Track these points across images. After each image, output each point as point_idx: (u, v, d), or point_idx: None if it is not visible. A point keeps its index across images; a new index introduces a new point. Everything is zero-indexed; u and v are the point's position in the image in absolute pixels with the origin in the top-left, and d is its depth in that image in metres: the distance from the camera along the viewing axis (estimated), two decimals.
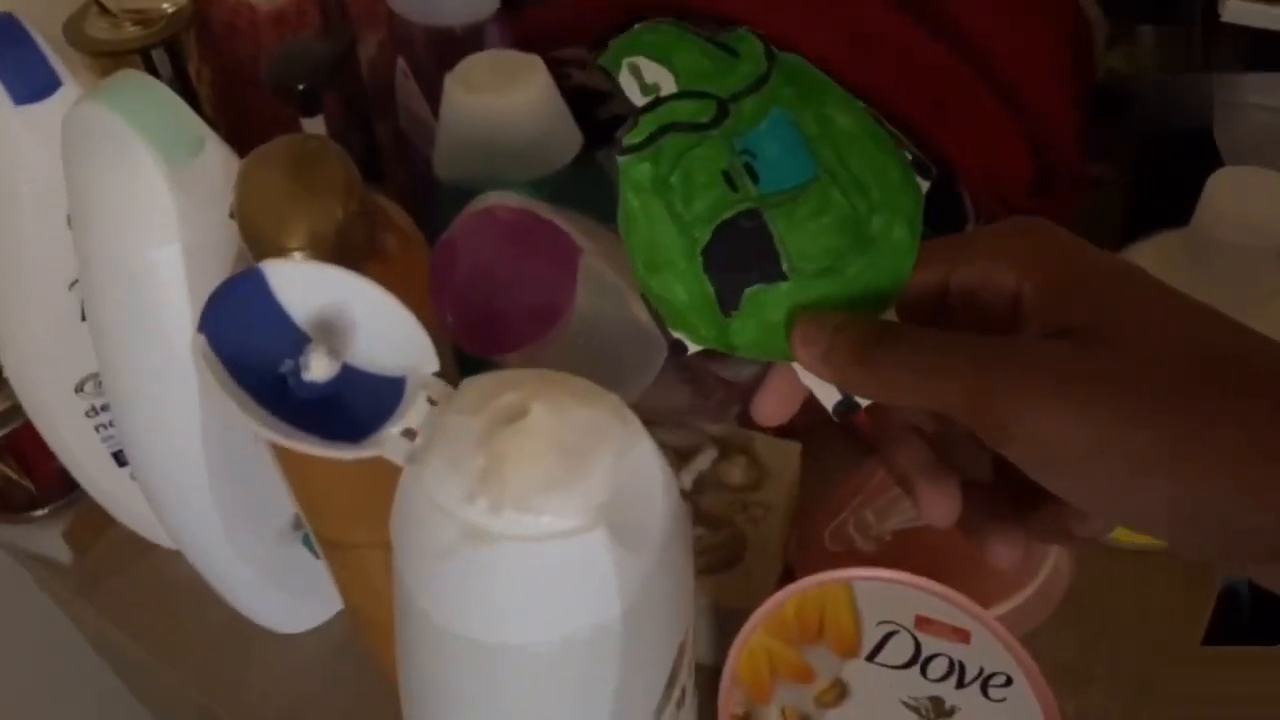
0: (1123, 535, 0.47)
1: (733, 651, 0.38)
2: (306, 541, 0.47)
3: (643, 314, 0.40)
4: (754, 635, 0.38)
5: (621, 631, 0.26)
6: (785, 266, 0.26)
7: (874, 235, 0.27)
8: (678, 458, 0.46)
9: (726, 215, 0.26)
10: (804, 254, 0.26)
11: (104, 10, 0.53)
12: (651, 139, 0.26)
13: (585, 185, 0.47)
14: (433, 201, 0.49)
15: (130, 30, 0.52)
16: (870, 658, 0.37)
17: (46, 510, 0.55)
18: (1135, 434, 0.22)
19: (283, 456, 0.38)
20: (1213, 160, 0.52)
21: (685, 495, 0.30)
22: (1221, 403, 0.22)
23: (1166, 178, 0.51)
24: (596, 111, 0.52)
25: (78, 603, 0.53)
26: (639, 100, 0.26)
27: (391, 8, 0.53)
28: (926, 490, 0.28)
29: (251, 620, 0.49)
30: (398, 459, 0.26)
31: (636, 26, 0.27)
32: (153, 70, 0.54)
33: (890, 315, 0.27)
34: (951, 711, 0.36)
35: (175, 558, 0.48)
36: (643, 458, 0.26)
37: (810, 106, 0.27)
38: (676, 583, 0.28)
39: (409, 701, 0.31)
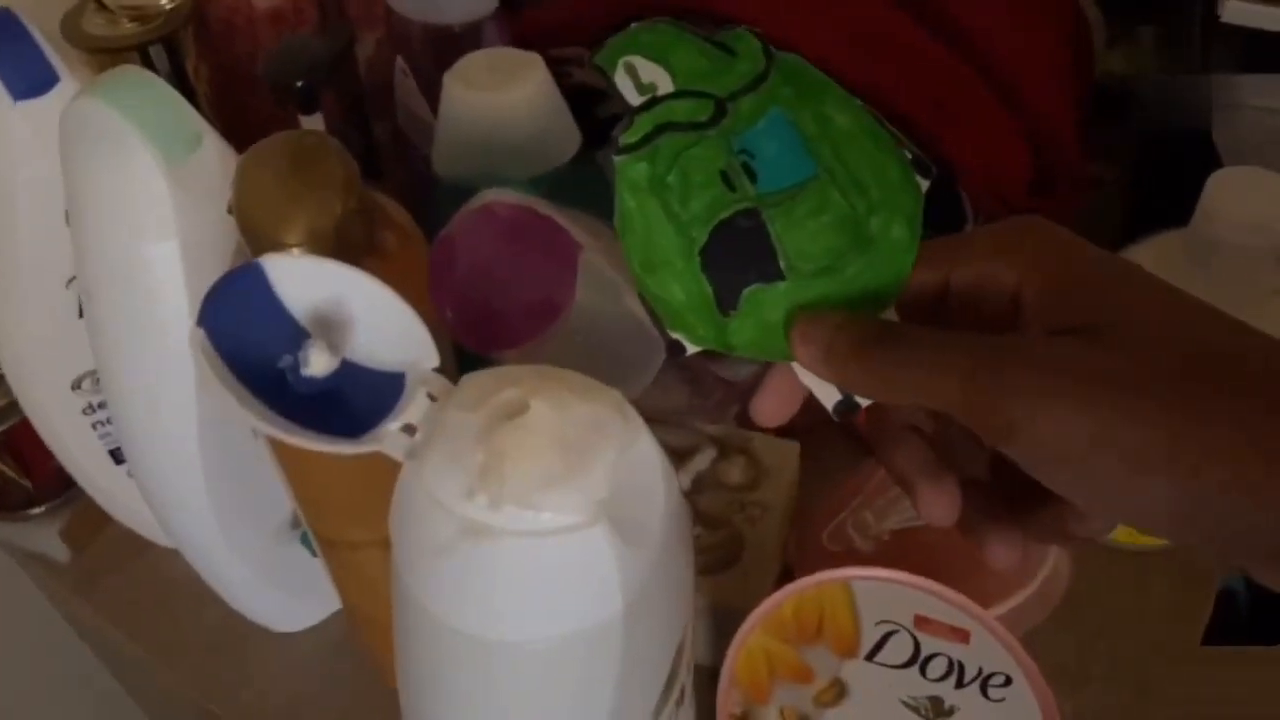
0: (1121, 535, 0.47)
1: (731, 651, 0.38)
2: (304, 540, 0.46)
3: (642, 311, 0.40)
4: (752, 635, 0.38)
5: (621, 629, 0.26)
6: (783, 266, 0.26)
7: (873, 235, 0.27)
8: (676, 457, 0.46)
9: (724, 215, 0.26)
10: (802, 253, 0.26)
11: (102, 6, 0.52)
12: (648, 138, 0.26)
13: (584, 183, 0.47)
14: (431, 199, 0.49)
15: (128, 27, 0.52)
16: (869, 657, 0.37)
17: (43, 508, 0.55)
18: (1134, 433, 0.22)
19: (281, 453, 0.38)
20: (1212, 161, 0.52)
21: (683, 495, 0.30)
22: (1219, 402, 0.22)
23: (1166, 178, 0.51)
24: (596, 110, 0.52)
25: (75, 601, 0.53)
26: (635, 99, 0.26)
27: (390, 6, 0.53)
28: (926, 489, 0.28)
29: (249, 619, 0.49)
30: (397, 455, 0.26)
31: (633, 26, 0.27)
32: (150, 67, 0.53)
33: (890, 315, 0.27)
34: (951, 711, 0.36)
35: (172, 556, 0.48)
36: (643, 454, 0.26)
37: (809, 106, 0.27)
38: (676, 580, 0.28)
39: (407, 700, 0.31)
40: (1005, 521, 0.28)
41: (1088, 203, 0.57)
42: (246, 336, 0.26)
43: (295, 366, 0.26)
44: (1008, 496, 0.28)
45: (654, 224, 0.26)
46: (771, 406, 0.29)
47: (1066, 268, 0.26)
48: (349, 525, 0.39)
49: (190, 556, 0.46)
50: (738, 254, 0.26)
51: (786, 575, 0.45)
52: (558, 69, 0.49)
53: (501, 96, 0.47)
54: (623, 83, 0.27)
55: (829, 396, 0.27)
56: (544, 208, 0.42)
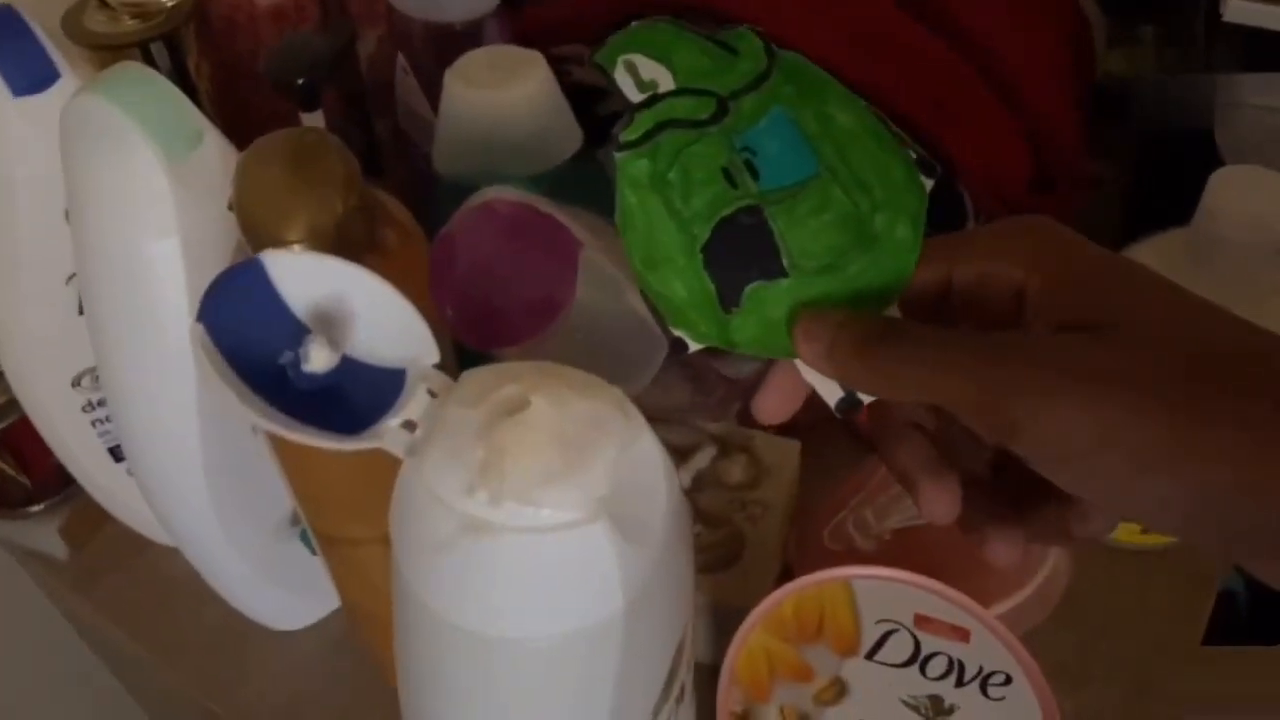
0: (1122, 535, 0.47)
1: (731, 650, 0.38)
2: (304, 537, 0.46)
3: (644, 308, 0.40)
4: (753, 634, 0.38)
5: (622, 626, 0.26)
6: (786, 263, 0.26)
7: (877, 233, 0.27)
8: (677, 455, 0.46)
9: (726, 212, 0.26)
10: (805, 251, 0.26)
11: (103, 3, 0.52)
12: (649, 135, 0.26)
13: (585, 181, 0.47)
14: (432, 197, 0.49)
15: (129, 24, 0.52)
16: (869, 656, 0.37)
17: (43, 506, 0.54)
18: (1138, 431, 0.22)
19: (281, 450, 0.38)
20: (1213, 160, 0.52)
21: (684, 493, 0.30)
22: (1224, 402, 0.22)
23: (1167, 177, 0.51)
24: (596, 108, 0.52)
25: (74, 599, 0.53)
26: (635, 97, 0.26)
27: (391, 3, 0.53)
28: (927, 486, 0.28)
29: (248, 617, 0.49)
30: (397, 451, 0.26)
31: (634, 24, 0.27)
32: (151, 64, 0.53)
33: (893, 312, 0.27)
34: (951, 710, 0.36)
35: (172, 554, 0.48)
36: (644, 451, 0.26)
37: (811, 104, 0.27)
38: (677, 577, 0.28)
39: (407, 697, 0.31)
40: (1006, 520, 0.28)
41: (1088, 202, 0.57)
42: (247, 333, 0.26)
43: (295, 363, 0.26)
44: (1009, 495, 0.28)
45: (655, 220, 0.26)
46: (774, 403, 0.29)
47: (1070, 266, 0.26)
48: (349, 522, 0.39)
49: (190, 554, 0.46)
50: (740, 251, 0.26)
51: (787, 574, 0.45)
52: (558, 67, 0.49)
53: (502, 94, 0.46)
54: (623, 80, 0.26)
55: (831, 393, 0.27)
56: (545, 205, 0.42)
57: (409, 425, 0.26)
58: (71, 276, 0.43)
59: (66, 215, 0.38)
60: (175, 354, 0.38)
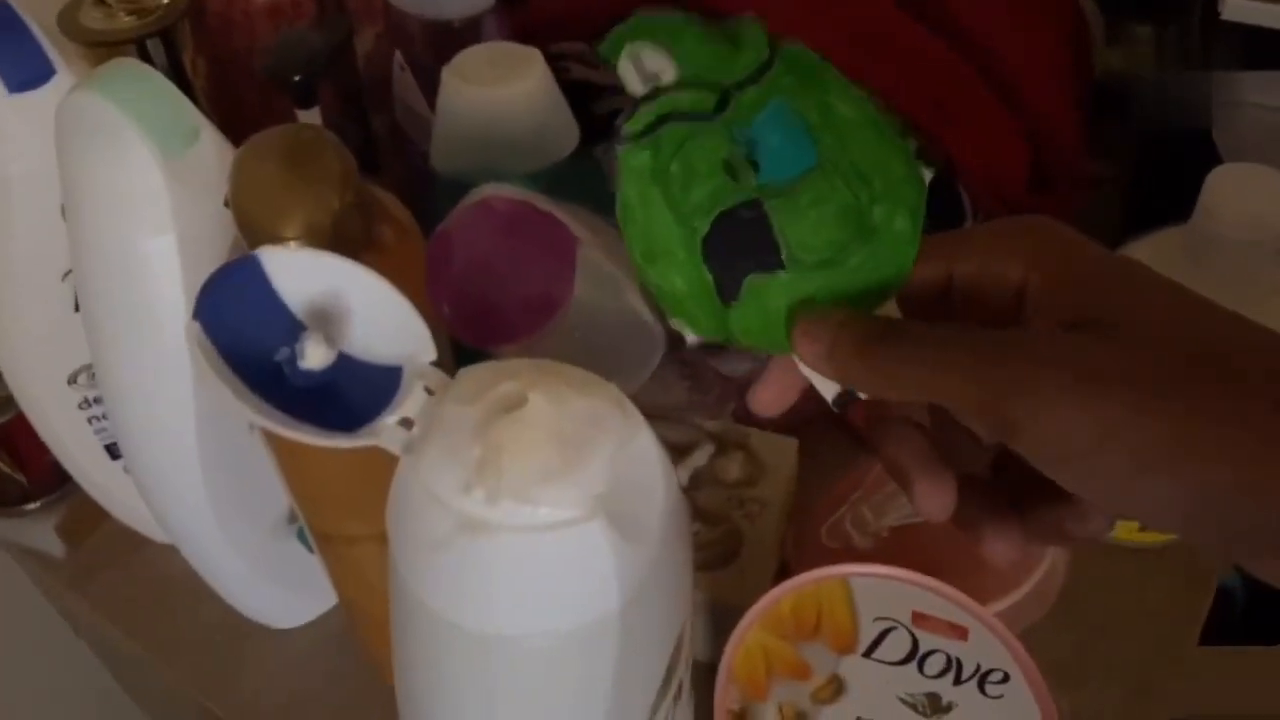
0: (1121, 534, 0.47)
1: (729, 648, 0.38)
2: (301, 535, 0.46)
3: (641, 306, 0.40)
4: (750, 632, 0.38)
5: (619, 624, 0.26)
6: (784, 257, 0.26)
7: (876, 225, 0.26)
8: (675, 453, 0.46)
9: (726, 205, 0.26)
10: (804, 244, 0.26)
11: (99, 0, 0.52)
12: (651, 128, 0.26)
13: (582, 178, 0.47)
14: (429, 194, 0.49)
15: (125, 20, 0.52)
16: (867, 654, 0.37)
17: (39, 504, 0.54)
18: (1138, 430, 0.22)
19: (278, 448, 0.38)
20: (1212, 159, 0.52)
21: (682, 491, 0.29)
22: (1225, 401, 0.22)
23: (1166, 176, 0.51)
24: (594, 105, 0.52)
25: (70, 597, 0.53)
26: (638, 88, 0.26)
27: (389, 0, 0.53)
28: (922, 482, 0.28)
29: (246, 615, 0.49)
30: (394, 448, 0.26)
31: (638, 13, 0.27)
32: (147, 61, 0.53)
33: (891, 308, 0.27)
34: (948, 708, 0.36)
35: (169, 552, 0.48)
36: (642, 449, 0.26)
37: (812, 95, 0.27)
38: (675, 575, 0.28)
39: (404, 695, 0.31)
40: (1005, 518, 0.28)
41: (1088, 201, 0.57)
42: (243, 330, 0.26)
43: (292, 360, 0.26)
44: (1008, 494, 0.28)
45: (655, 213, 0.26)
46: (771, 396, 0.29)
47: (1070, 265, 0.26)
48: (346, 520, 0.39)
49: (187, 552, 0.46)
50: (739, 244, 0.26)
51: (784, 571, 0.45)
52: (555, 64, 0.49)
53: (500, 91, 0.46)
54: (627, 71, 0.26)
55: (829, 388, 0.27)
56: (542, 203, 0.41)
57: (406, 423, 0.26)
58: (67, 273, 0.43)
59: (62, 212, 0.38)
60: (171, 351, 0.37)
